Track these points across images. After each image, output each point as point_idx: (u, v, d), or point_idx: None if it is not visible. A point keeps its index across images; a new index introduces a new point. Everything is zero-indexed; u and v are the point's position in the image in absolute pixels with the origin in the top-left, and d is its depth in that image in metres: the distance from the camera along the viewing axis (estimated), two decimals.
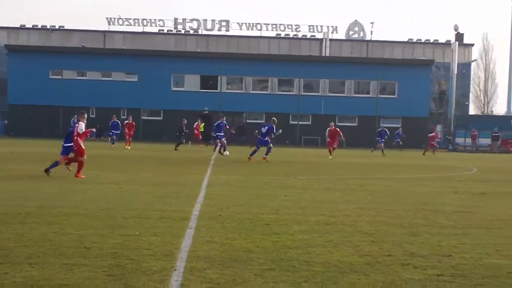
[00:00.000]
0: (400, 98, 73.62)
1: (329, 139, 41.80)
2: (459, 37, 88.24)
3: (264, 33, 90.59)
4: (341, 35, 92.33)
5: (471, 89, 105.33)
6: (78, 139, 21.92)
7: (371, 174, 26.69)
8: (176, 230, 11.12)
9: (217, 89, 74.22)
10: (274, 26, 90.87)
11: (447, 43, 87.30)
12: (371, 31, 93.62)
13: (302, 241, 10.39)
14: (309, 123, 73.05)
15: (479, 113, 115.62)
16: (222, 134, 40.95)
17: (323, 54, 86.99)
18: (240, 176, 23.37)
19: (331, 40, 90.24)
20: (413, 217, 13.57)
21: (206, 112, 71.92)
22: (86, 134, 22.48)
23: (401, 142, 58.85)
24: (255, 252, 9.39)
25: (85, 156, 21.87)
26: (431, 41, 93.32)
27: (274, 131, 33.29)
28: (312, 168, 29.89)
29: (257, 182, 21.27)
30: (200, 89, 74.63)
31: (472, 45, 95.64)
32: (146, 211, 13.32)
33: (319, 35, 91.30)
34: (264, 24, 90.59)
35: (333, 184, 21.35)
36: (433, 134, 56.08)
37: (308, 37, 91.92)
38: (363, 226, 12.08)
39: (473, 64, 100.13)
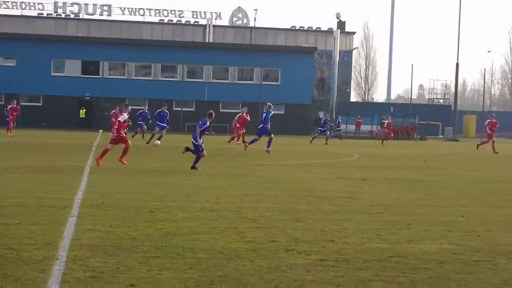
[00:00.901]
0: (284, 85, 74.31)
1: (238, 125, 40.01)
2: (341, 25, 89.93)
3: (147, 19, 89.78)
4: (224, 21, 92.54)
5: (353, 76, 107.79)
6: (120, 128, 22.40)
7: (257, 160, 26.82)
8: (58, 218, 10.85)
9: (99, 75, 72.91)
10: (157, 11, 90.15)
11: (329, 31, 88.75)
12: (255, 18, 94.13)
13: (186, 228, 10.30)
14: (193, 109, 72.77)
15: (360, 100, 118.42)
16: (165, 125, 39.96)
17: (207, 41, 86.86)
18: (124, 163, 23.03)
19: (214, 26, 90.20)
20: (297, 203, 13.69)
21: (88, 98, 70.69)
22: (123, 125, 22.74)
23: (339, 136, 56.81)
24: (139, 240, 9.25)
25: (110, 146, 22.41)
26: (314, 28, 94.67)
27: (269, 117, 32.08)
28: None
29: (141, 169, 21.03)
30: (81, 74, 73.15)
31: (354, 33, 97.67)
32: (26, 199, 12.94)
33: (202, 21, 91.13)
34: (147, 9, 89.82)
35: (218, 171, 21.34)
36: (387, 121, 54.34)
37: (192, 23, 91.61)
38: (248, 213, 12.10)
39: (354, 52, 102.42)
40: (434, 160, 30.71)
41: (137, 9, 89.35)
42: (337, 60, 78.53)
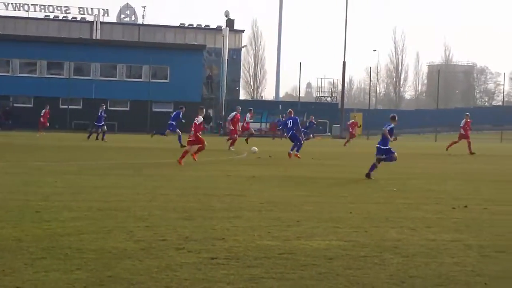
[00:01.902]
0: (173, 82, 73.99)
1: (232, 128, 36.53)
2: (230, 23, 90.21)
3: (32, 14, 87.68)
4: (112, 18, 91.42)
5: (242, 74, 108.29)
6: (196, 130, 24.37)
7: (147, 159, 26.59)
8: None
9: None
10: (42, 7, 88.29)
11: (218, 29, 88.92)
12: (143, 15, 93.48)
13: (74, 228, 10.09)
14: (80, 107, 71.57)
15: (249, 98, 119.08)
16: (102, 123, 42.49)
17: (94, 37, 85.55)
18: (7, 162, 22.42)
19: (102, 23, 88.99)
20: (187, 201, 13.63)
21: None
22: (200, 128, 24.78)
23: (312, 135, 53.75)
24: (25, 241, 8.99)
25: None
26: (203, 26, 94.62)
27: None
28: (87, 153, 29.32)
29: (26, 168, 20.51)
30: None
31: (242, 31, 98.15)
32: None
33: (89, 18, 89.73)
34: (32, 4, 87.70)
35: (106, 170, 21.02)
36: (352, 121, 52.98)
37: (79, 19, 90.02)
38: (137, 212, 11.95)
39: (243, 50, 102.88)
40: (322, 157, 31.19)
41: (21, 5, 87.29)
42: (226, 58, 78.84)
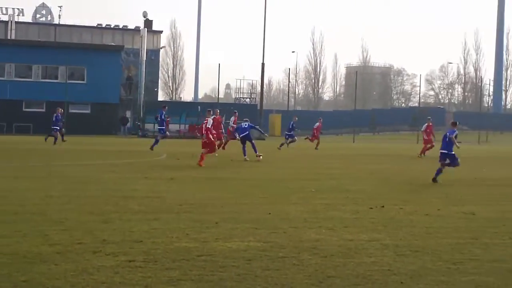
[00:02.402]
0: (90, 83, 72.89)
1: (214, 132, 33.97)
2: (148, 23, 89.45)
3: None
4: (27, 18, 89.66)
5: (160, 75, 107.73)
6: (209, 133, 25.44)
7: (61, 160, 26.15)
8: None
9: None
10: None
11: (137, 29, 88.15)
12: (59, 15, 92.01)
13: None
14: None
15: (168, 99, 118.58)
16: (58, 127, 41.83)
17: (9, 37, 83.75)
18: None
19: (17, 23, 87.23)
20: (104, 204, 13.46)
21: None
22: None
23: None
24: None
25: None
26: (121, 27, 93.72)
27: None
28: None
29: None
30: None
31: (161, 32, 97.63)
32: None
33: (4, 17, 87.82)
34: None
35: (21, 172, 20.59)
36: (318, 124, 50.98)
37: None
38: (53, 215, 11.74)
39: (161, 51, 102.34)
40: (241, 158, 31.21)
41: None
42: (145, 59, 78.16)
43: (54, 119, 42.81)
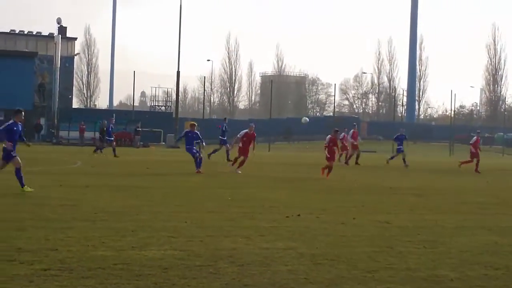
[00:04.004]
0: (2, 90, 71.38)
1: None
2: (62, 30, 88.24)
3: None
4: None
5: (75, 82, 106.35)
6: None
7: None
8: None
9: None
10: None
11: (50, 36, 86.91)
12: None
13: None
14: None
15: (82, 106, 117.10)
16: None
17: None
18: None
19: None
20: (19, 211, 13.22)
21: None
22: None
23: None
24: None
25: None
26: (34, 33, 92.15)
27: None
28: None
29: None
30: None
31: (75, 39, 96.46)
32: None
33: None
34: None
35: None
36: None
37: None
38: None
39: (76, 58, 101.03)
40: (157, 166, 31.05)
41: None
42: (59, 65, 77.03)
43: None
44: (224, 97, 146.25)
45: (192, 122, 29.08)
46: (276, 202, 16.91)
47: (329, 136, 27.16)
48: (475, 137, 36.94)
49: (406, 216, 14.94)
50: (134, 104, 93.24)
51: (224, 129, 38.43)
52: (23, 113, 18.31)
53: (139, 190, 19.03)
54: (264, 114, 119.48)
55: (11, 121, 17.69)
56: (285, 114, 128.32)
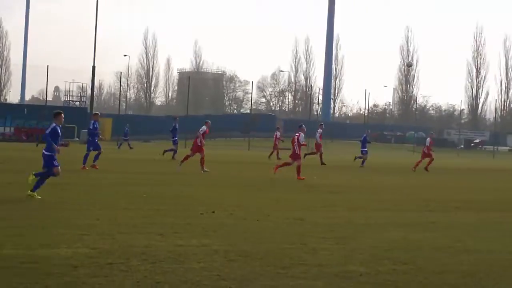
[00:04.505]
0: None
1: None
2: None
3: None
4: None
5: None
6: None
7: None
8: None
9: None
10: None
11: None
12: None
13: None
14: None
15: None
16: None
17: None
18: None
19: None
20: None
21: None
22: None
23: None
24: None
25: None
26: None
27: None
28: None
29: None
30: None
31: None
32: None
33: None
34: None
35: None
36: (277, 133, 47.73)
37: None
38: None
39: None
40: (69, 163, 30.50)
41: None
42: None
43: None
44: (141, 93, 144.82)
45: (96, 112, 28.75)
46: (191, 199, 16.84)
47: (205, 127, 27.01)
48: (428, 138, 37.54)
49: (320, 213, 15.06)
50: (47, 99, 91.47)
51: (175, 128, 37.94)
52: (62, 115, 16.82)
53: (51, 187, 18.62)
54: (181, 110, 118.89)
55: (53, 124, 16.35)
56: (203, 111, 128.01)
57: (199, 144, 27.58)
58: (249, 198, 17.83)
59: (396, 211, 16.34)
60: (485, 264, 9.74)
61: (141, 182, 21.26)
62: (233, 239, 10.89)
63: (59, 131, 16.17)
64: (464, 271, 9.22)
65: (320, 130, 38.09)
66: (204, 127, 27.97)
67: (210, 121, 29.07)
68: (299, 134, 26.23)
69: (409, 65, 39.73)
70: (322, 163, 36.22)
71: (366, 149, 37.79)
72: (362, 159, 37.08)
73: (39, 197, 15.47)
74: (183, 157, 28.00)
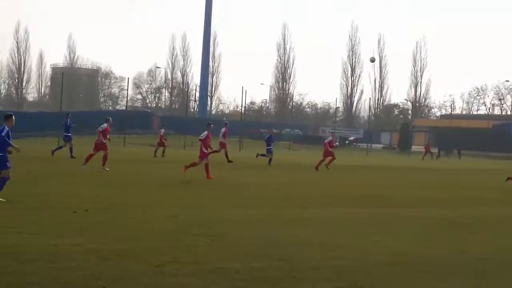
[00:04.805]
0: None
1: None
2: None
3: None
4: None
5: None
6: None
7: None
8: None
9: None
10: None
11: None
12: None
13: None
14: None
15: None
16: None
17: None
18: None
19: None
20: None
21: None
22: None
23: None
24: None
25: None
26: None
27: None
28: None
29: None
30: None
31: None
32: None
33: None
34: None
35: None
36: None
37: None
38: None
39: None
40: None
41: None
42: None
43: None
44: (12, 89, 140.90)
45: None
46: (63, 197, 16.49)
47: (207, 132, 25.72)
48: (330, 137, 37.82)
49: (197, 210, 15.06)
50: None
51: (68, 124, 36.47)
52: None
53: None
54: (54, 106, 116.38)
55: (6, 127, 15.36)
56: (77, 107, 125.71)
57: (103, 141, 26.92)
58: (125, 196, 17.64)
59: (271, 207, 16.50)
60: (358, 259, 9.99)
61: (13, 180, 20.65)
62: (107, 238, 10.75)
63: (10, 134, 15.53)
64: (337, 265, 9.43)
65: (224, 129, 38.07)
66: (105, 125, 27.38)
67: (111, 118, 28.23)
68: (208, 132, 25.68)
69: (373, 60, 41.25)
70: (229, 161, 36.28)
71: (271, 147, 38.10)
72: (269, 158, 37.30)
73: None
74: (86, 156, 26.80)
